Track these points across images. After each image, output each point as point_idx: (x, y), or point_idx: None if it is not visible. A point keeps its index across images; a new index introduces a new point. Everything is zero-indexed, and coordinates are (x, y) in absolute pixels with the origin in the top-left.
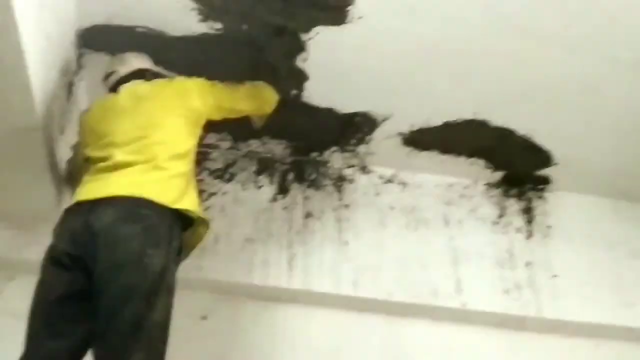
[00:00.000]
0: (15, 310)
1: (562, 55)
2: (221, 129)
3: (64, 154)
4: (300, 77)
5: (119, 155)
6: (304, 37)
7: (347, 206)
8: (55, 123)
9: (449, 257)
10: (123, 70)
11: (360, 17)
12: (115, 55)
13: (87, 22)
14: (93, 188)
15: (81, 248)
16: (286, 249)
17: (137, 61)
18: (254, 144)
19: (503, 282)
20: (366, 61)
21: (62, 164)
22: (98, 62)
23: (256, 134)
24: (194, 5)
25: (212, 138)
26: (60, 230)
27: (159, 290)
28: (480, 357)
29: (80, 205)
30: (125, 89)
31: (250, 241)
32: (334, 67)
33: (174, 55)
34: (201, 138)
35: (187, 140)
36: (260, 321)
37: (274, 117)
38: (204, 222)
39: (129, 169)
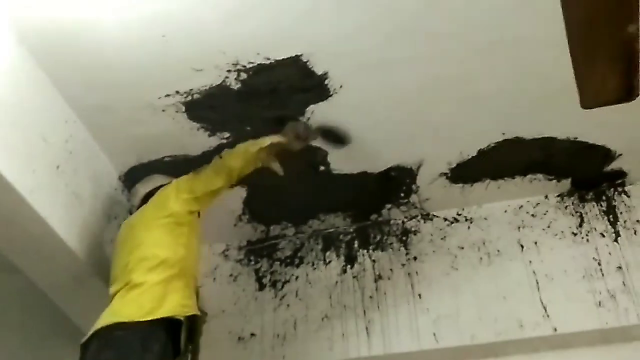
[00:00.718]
0: None
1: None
2: (279, 218)
3: None
4: (320, 154)
5: (112, 289)
6: (303, 119)
7: (415, 258)
8: None
9: (529, 283)
10: (136, 202)
11: (341, 86)
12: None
13: (124, 168)
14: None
15: None
16: (362, 318)
17: (143, 188)
18: (315, 223)
19: (594, 295)
20: (371, 120)
21: None
22: None
23: (313, 213)
24: (197, 124)
25: (276, 230)
26: None
27: None
28: None
29: (82, 346)
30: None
31: (327, 318)
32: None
33: None
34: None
35: (168, 247)
36: None
37: (322, 194)
38: (200, 317)
39: (114, 299)
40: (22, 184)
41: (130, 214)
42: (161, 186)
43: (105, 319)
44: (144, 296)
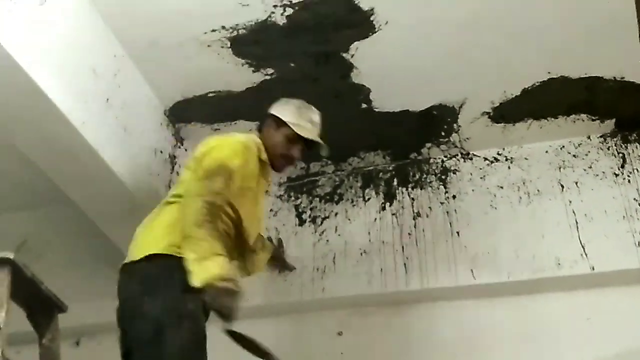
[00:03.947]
0: None
1: None
2: (319, 155)
3: None
4: (362, 91)
5: None
6: (347, 56)
7: (454, 197)
8: (161, 196)
9: (568, 222)
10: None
11: (386, 22)
12: None
13: (169, 103)
14: None
15: None
16: (400, 254)
17: (275, 108)
18: (355, 161)
19: (633, 234)
20: (415, 57)
21: None
22: (195, 131)
23: (353, 151)
24: (242, 60)
25: (316, 167)
26: None
27: (164, 328)
28: (624, 319)
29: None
30: None
31: (366, 253)
32: (388, 72)
33: (248, 107)
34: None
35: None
36: (389, 327)
37: (362, 132)
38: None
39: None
40: (74, 115)
41: None
42: (278, 120)
43: (132, 254)
44: (160, 232)
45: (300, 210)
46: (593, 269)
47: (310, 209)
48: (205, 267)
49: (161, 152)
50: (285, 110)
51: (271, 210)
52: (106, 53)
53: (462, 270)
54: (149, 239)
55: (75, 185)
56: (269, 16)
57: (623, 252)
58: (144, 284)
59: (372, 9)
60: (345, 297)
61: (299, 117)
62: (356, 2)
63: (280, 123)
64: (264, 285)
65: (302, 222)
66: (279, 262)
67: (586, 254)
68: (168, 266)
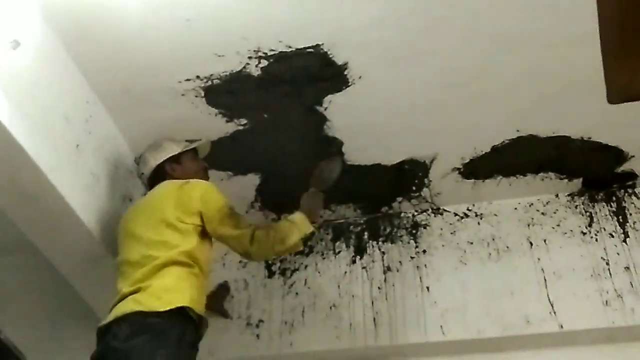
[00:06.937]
0: None
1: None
2: (290, 207)
3: None
4: (335, 143)
5: (131, 276)
6: (320, 108)
7: (424, 252)
8: None
9: (537, 280)
10: (146, 171)
11: (360, 77)
12: (141, 156)
13: (141, 150)
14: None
15: None
16: (370, 308)
17: (153, 158)
18: (326, 214)
19: (601, 294)
20: (387, 112)
21: None
22: None
23: (324, 203)
24: (216, 110)
25: None
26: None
27: None
28: None
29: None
30: (147, 195)
31: (334, 307)
32: (361, 126)
33: (220, 156)
34: None
35: (193, 248)
36: None
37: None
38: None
39: (139, 293)
40: (43, 161)
41: (140, 179)
42: (173, 158)
43: (129, 306)
44: (171, 287)
45: (269, 262)
46: (562, 327)
47: (280, 261)
48: None
49: (130, 199)
50: (166, 149)
51: (240, 261)
52: (78, 99)
53: (431, 326)
54: (151, 296)
55: (41, 233)
56: (244, 67)
57: (591, 311)
58: (156, 339)
59: (346, 64)
60: (313, 352)
61: (175, 145)
62: (330, 57)
63: (175, 159)
64: (231, 339)
65: (271, 274)
66: (213, 306)
67: (555, 312)
68: (182, 323)
